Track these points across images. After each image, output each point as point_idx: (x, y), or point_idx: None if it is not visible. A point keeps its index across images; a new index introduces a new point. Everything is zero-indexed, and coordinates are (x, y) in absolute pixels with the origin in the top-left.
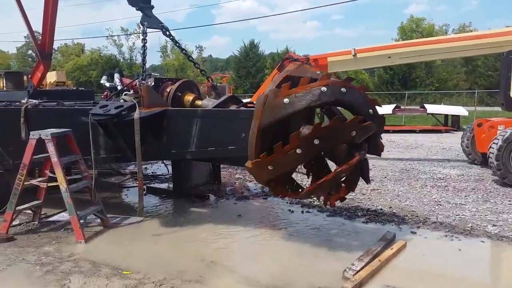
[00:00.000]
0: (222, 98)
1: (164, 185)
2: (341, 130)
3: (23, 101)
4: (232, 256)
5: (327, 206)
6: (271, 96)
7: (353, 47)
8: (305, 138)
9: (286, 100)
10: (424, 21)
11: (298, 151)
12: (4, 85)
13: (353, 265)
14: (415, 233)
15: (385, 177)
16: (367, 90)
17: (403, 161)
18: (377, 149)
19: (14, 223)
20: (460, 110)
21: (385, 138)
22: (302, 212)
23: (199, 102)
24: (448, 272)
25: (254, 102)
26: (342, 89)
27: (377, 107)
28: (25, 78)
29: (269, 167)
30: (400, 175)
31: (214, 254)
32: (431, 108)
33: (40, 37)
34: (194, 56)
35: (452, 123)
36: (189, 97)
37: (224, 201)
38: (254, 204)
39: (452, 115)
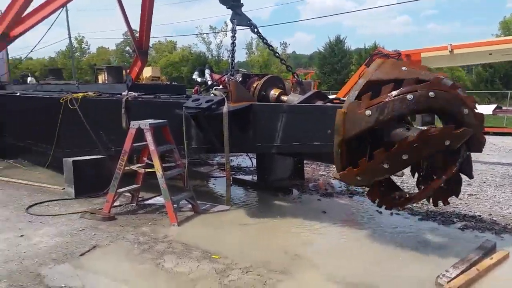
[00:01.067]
0: (308, 94)
1: (248, 177)
2: (431, 142)
3: (123, 93)
4: (315, 251)
5: (419, 209)
6: (351, 110)
7: (449, 43)
8: (391, 154)
9: (368, 112)
10: None
11: (385, 165)
12: (106, 78)
13: (447, 271)
14: None
15: (484, 182)
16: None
17: (504, 166)
18: (479, 146)
19: (115, 204)
20: None
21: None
22: (391, 214)
23: (284, 97)
24: None
25: (341, 98)
26: (431, 94)
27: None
28: (123, 72)
29: (357, 178)
30: (501, 181)
31: (298, 248)
32: None
33: (138, 35)
34: (279, 52)
35: None
36: (275, 92)
37: (308, 196)
38: (338, 202)
39: None
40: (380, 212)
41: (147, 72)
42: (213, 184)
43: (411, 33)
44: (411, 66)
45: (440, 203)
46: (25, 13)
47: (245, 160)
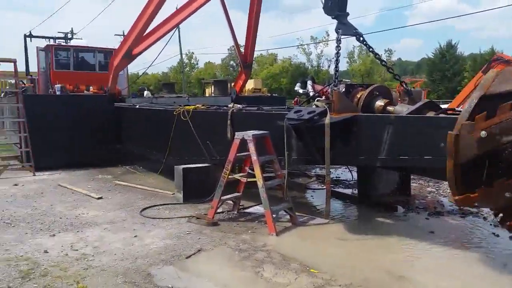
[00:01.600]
0: (418, 104)
1: (348, 191)
2: None
3: (229, 105)
4: (421, 273)
5: None
6: (464, 132)
7: None
8: None
9: (483, 133)
10: None
11: (508, 195)
12: (212, 91)
13: None
14: None
15: None
16: None
17: None
18: None
19: (218, 210)
20: None
21: None
22: (511, 238)
23: (391, 108)
24: None
25: (456, 108)
26: None
27: None
28: (228, 85)
29: (475, 204)
30: None
31: (402, 268)
32: None
33: (243, 50)
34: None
35: None
36: (380, 103)
37: (414, 214)
38: (449, 222)
39: None
40: (497, 235)
41: (249, 84)
42: (311, 196)
43: None
44: None
45: None
46: (146, 32)
47: (345, 173)
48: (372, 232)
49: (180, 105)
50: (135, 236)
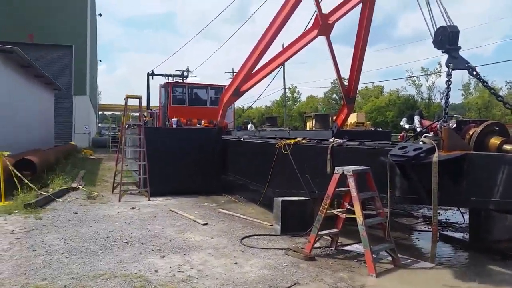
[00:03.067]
0: None
1: (458, 234)
2: None
3: (330, 140)
4: None
5: None
6: None
7: None
8: None
9: None
10: None
11: None
12: (313, 125)
13: None
14: None
15: None
16: None
17: None
18: None
19: (315, 245)
20: None
21: None
22: None
23: (508, 147)
24: None
25: None
26: None
27: None
28: (330, 119)
29: None
30: None
31: None
32: None
33: (347, 83)
34: (503, 92)
35: None
36: (495, 141)
37: None
38: None
39: None
40: None
41: (352, 118)
42: (416, 238)
43: None
44: None
45: None
46: (253, 71)
47: (455, 215)
48: (482, 281)
49: (282, 139)
50: (235, 263)
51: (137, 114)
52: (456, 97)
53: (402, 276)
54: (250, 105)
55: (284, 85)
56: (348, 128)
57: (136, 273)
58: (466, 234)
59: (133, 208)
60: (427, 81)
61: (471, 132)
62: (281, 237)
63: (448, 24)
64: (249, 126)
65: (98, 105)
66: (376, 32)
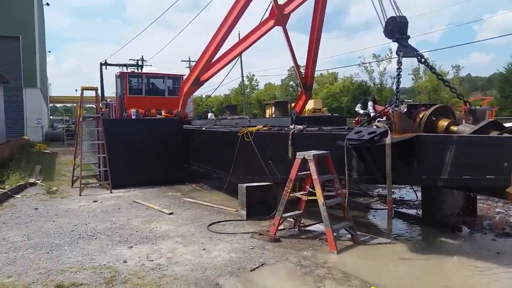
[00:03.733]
0: (481, 124)
1: (412, 211)
2: None
3: (291, 126)
4: None
5: None
6: None
7: None
8: None
9: None
10: None
11: None
12: (273, 112)
13: None
14: None
15: None
16: None
17: None
18: None
19: (280, 227)
20: None
21: None
22: None
23: (454, 128)
24: None
25: None
26: None
27: None
28: (288, 106)
29: None
30: None
31: None
32: None
33: (304, 72)
34: (450, 76)
35: None
36: (443, 123)
37: (480, 235)
38: None
39: None
40: None
41: (309, 104)
42: (373, 216)
43: None
44: None
45: None
46: (212, 61)
47: (409, 193)
48: (434, 252)
49: (243, 126)
50: (204, 249)
51: (92, 105)
52: (406, 81)
53: (361, 251)
54: (210, 94)
55: (242, 73)
56: (306, 115)
57: (105, 265)
58: (419, 210)
59: (95, 201)
60: (378, 67)
61: (421, 116)
62: (247, 221)
63: (398, 14)
64: (209, 115)
65: (48, 98)
66: (330, 20)
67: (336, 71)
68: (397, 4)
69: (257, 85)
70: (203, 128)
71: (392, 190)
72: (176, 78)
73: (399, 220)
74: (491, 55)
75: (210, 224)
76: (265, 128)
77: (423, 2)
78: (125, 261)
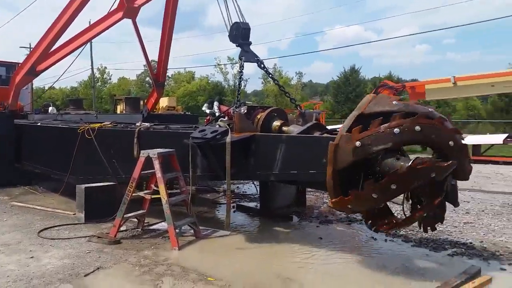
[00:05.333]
0: (307, 125)
1: (252, 204)
2: (417, 175)
3: (137, 124)
4: (307, 275)
5: (413, 235)
6: (343, 142)
7: (452, 75)
8: (380, 185)
9: (358, 143)
10: None
11: (374, 195)
12: (124, 108)
13: None
14: (504, 269)
15: (483, 211)
16: (479, 117)
17: (507, 195)
18: (464, 174)
19: (121, 229)
20: None
21: (492, 170)
22: (386, 240)
23: (285, 128)
24: None
25: (337, 129)
26: (417, 128)
27: (460, 135)
28: (141, 103)
29: (349, 206)
30: (500, 209)
31: (290, 272)
32: None
33: (156, 68)
34: (294, 82)
35: None
36: (276, 124)
37: (307, 223)
38: (336, 229)
39: None
40: (375, 239)
41: (163, 102)
42: (218, 210)
43: (431, 62)
44: (404, 100)
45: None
46: (52, 49)
47: (251, 188)
48: (268, 240)
49: (87, 123)
50: (31, 257)
51: None
52: (257, 85)
53: (202, 245)
54: (50, 86)
55: (92, 65)
56: (160, 112)
57: None
58: (258, 203)
59: None
60: (232, 69)
61: (258, 117)
62: (85, 225)
63: (242, 21)
64: (50, 109)
65: None
66: (190, 18)
67: (193, 70)
68: (242, 11)
69: (110, 79)
70: (39, 124)
71: (237, 185)
72: (11, 66)
73: (240, 213)
74: (329, 64)
75: (42, 230)
76: (110, 125)
77: (277, 11)
78: None
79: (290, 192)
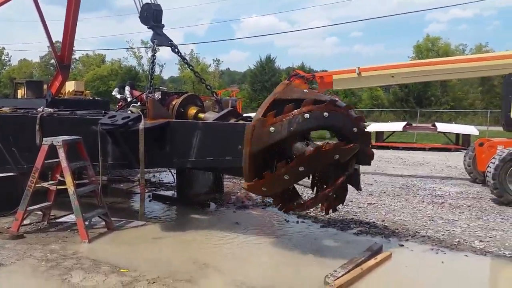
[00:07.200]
0: (222, 112)
1: (169, 193)
2: (323, 157)
3: (39, 109)
4: (223, 260)
5: (322, 217)
6: (258, 126)
7: (357, 66)
8: (290, 167)
9: (272, 128)
10: (440, 40)
11: (286, 177)
12: (25, 93)
13: (335, 271)
14: (402, 245)
15: (384, 192)
16: (382, 107)
17: (405, 178)
18: (366, 159)
19: (25, 222)
20: (470, 129)
21: (393, 155)
22: (297, 222)
23: (201, 115)
24: (426, 282)
25: (251, 116)
26: (325, 114)
27: (363, 123)
28: (45, 87)
29: (263, 189)
30: (399, 191)
31: (207, 257)
32: (441, 126)
33: (60, 49)
34: (211, 69)
35: (462, 142)
36: (192, 110)
37: (224, 209)
38: (252, 213)
39: (463, 134)
40: (287, 221)
41: (70, 86)
42: (132, 200)
43: (340, 54)
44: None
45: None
46: None
47: (168, 176)
48: (185, 228)
49: None
50: None
51: None
52: (174, 71)
53: (114, 237)
54: None
55: None
56: (66, 97)
57: None
58: (175, 191)
59: None
60: (147, 53)
61: (173, 103)
62: None
63: (153, 2)
64: None
65: None
66: None
67: (104, 52)
68: None
69: (9, 61)
70: None
71: (153, 174)
72: None
73: (156, 202)
74: (247, 52)
75: None
76: (8, 110)
77: None
78: None
79: (207, 179)
